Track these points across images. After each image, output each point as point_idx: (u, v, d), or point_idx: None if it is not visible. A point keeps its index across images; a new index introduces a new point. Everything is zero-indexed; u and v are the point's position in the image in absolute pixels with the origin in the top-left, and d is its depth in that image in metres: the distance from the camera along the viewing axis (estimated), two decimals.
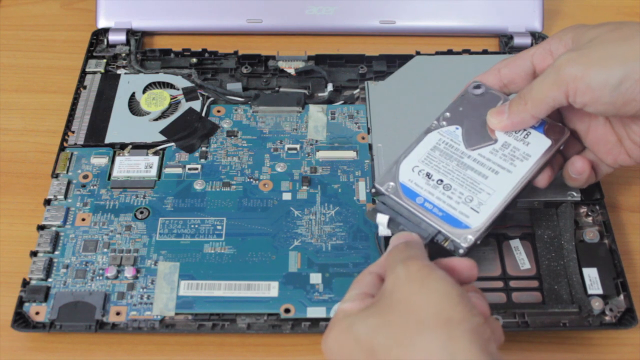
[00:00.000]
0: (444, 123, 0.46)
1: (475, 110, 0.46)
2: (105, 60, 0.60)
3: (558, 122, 0.45)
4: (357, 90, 0.58)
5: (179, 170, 0.52)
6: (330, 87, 0.58)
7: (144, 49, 0.62)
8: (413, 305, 0.35)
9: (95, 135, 0.54)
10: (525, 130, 0.44)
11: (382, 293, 0.37)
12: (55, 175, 0.51)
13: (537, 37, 0.62)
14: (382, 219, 0.44)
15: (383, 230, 0.45)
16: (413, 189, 0.44)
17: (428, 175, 0.44)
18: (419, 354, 0.33)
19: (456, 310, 0.34)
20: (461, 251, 0.42)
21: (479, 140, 0.45)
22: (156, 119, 0.55)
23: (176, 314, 0.45)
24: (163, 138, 0.54)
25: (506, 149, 0.44)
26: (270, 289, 0.46)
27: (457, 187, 0.43)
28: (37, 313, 0.45)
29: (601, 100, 0.40)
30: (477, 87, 0.46)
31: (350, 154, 0.53)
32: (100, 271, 0.47)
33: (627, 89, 0.39)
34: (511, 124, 0.44)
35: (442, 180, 0.44)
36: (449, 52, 0.61)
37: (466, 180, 0.44)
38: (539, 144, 0.44)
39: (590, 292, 0.46)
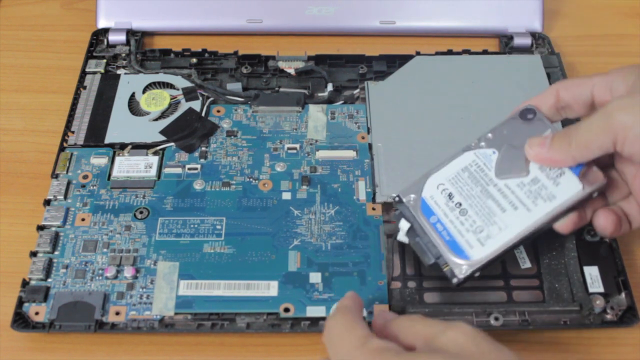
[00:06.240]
0: (483, 144, 0.44)
1: (518, 137, 0.43)
2: (105, 61, 0.60)
3: (598, 168, 0.42)
4: (357, 90, 0.58)
5: (178, 170, 0.52)
6: (330, 87, 0.58)
7: (144, 49, 0.62)
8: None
9: (95, 136, 0.54)
10: (560, 168, 0.42)
11: (441, 345, 0.36)
12: (55, 176, 0.51)
13: (537, 37, 0.62)
14: (404, 225, 0.44)
15: (402, 236, 0.46)
16: (431, 207, 0.44)
17: (450, 196, 0.43)
18: None
19: None
20: (455, 280, 0.42)
21: (510, 170, 0.43)
22: (156, 119, 0.55)
23: (175, 313, 0.45)
24: (163, 138, 0.54)
25: (534, 185, 0.42)
26: (270, 288, 0.46)
27: (473, 215, 0.43)
28: (36, 313, 0.45)
29: None
30: (529, 111, 0.44)
31: (350, 154, 0.53)
32: (100, 271, 0.46)
33: None
34: (549, 159, 0.41)
35: (460, 204, 0.43)
36: (449, 52, 0.61)
37: (484, 209, 0.43)
38: (569, 188, 0.41)
39: (591, 290, 0.45)
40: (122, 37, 0.61)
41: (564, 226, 0.42)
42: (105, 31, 0.62)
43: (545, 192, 0.42)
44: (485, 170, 0.44)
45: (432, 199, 0.44)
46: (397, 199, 0.45)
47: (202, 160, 0.53)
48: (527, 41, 0.62)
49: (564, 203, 0.41)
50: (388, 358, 0.35)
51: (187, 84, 0.57)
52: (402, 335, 0.38)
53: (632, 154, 0.39)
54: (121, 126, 0.54)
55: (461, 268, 0.42)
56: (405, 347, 0.37)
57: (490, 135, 0.44)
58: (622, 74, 0.41)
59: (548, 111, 0.44)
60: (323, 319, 0.44)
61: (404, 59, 0.59)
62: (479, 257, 0.42)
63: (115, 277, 0.46)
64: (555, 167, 0.42)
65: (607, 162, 0.44)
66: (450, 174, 0.44)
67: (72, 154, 0.53)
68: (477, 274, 0.42)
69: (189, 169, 0.52)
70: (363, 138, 0.54)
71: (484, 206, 0.43)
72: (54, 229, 0.49)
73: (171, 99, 0.56)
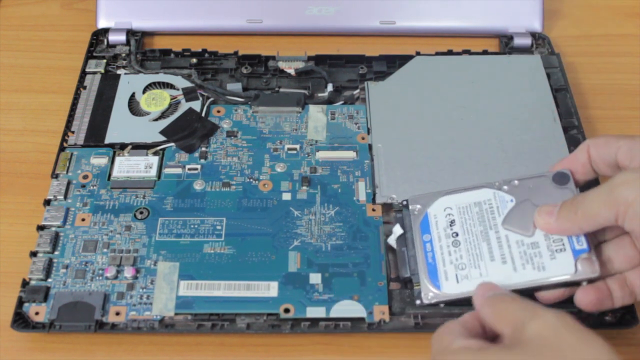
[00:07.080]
0: (506, 188, 0.44)
1: (541, 196, 0.43)
2: (105, 61, 0.60)
3: (597, 259, 0.41)
4: (357, 90, 0.58)
5: (178, 171, 0.52)
6: (330, 87, 0.58)
7: (144, 49, 0.62)
8: (578, 354, 0.33)
9: (95, 136, 0.54)
10: (563, 244, 0.41)
11: (525, 338, 0.34)
12: (55, 176, 0.51)
13: (537, 38, 0.62)
14: (397, 230, 0.46)
15: (392, 240, 0.46)
16: (430, 225, 0.44)
17: (451, 223, 0.44)
18: None
19: None
20: (418, 302, 0.42)
21: (517, 224, 0.42)
22: (156, 119, 0.55)
23: (176, 314, 0.45)
24: (163, 138, 0.54)
25: (531, 249, 0.42)
26: (270, 288, 0.46)
27: (463, 250, 0.43)
28: (36, 313, 0.45)
29: None
30: (564, 177, 0.43)
31: (350, 154, 0.53)
32: (100, 271, 0.46)
33: None
34: (557, 228, 0.41)
35: (457, 235, 0.43)
36: (449, 53, 0.61)
37: (475, 249, 0.43)
38: (562, 267, 0.41)
39: None
40: (122, 37, 0.61)
41: (544, 298, 0.42)
42: (105, 31, 0.62)
43: (538, 261, 0.41)
44: (495, 214, 0.43)
45: (434, 217, 0.44)
46: (404, 202, 0.46)
47: (202, 161, 0.53)
48: (527, 41, 0.62)
49: (549, 279, 0.41)
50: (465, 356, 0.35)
51: (187, 84, 0.57)
52: (496, 318, 0.37)
53: (632, 229, 0.38)
54: (121, 126, 0.54)
55: (428, 294, 0.42)
56: (494, 335, 0.37)
57: (516, 182, 0.44)
58: None
59: (582, 169, 0.43)
60: (323, 319, 0.45)
61: (404, 59, 0.59)
62: (448, 291, 0.42)
63: (115, 277, 0.46)
64: (560, 238, 0.41)
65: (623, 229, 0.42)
66: (462, 202, 0.44)
67: (72, 154, 0.53)
68: (441, 305, 0.42)
69: (189, 169, 0.52)
70: (363, 139, 0.54)
71: (476, 247, 0.43)
72: (54, 229, 0.49)
73: (171, 99, 0.56)
